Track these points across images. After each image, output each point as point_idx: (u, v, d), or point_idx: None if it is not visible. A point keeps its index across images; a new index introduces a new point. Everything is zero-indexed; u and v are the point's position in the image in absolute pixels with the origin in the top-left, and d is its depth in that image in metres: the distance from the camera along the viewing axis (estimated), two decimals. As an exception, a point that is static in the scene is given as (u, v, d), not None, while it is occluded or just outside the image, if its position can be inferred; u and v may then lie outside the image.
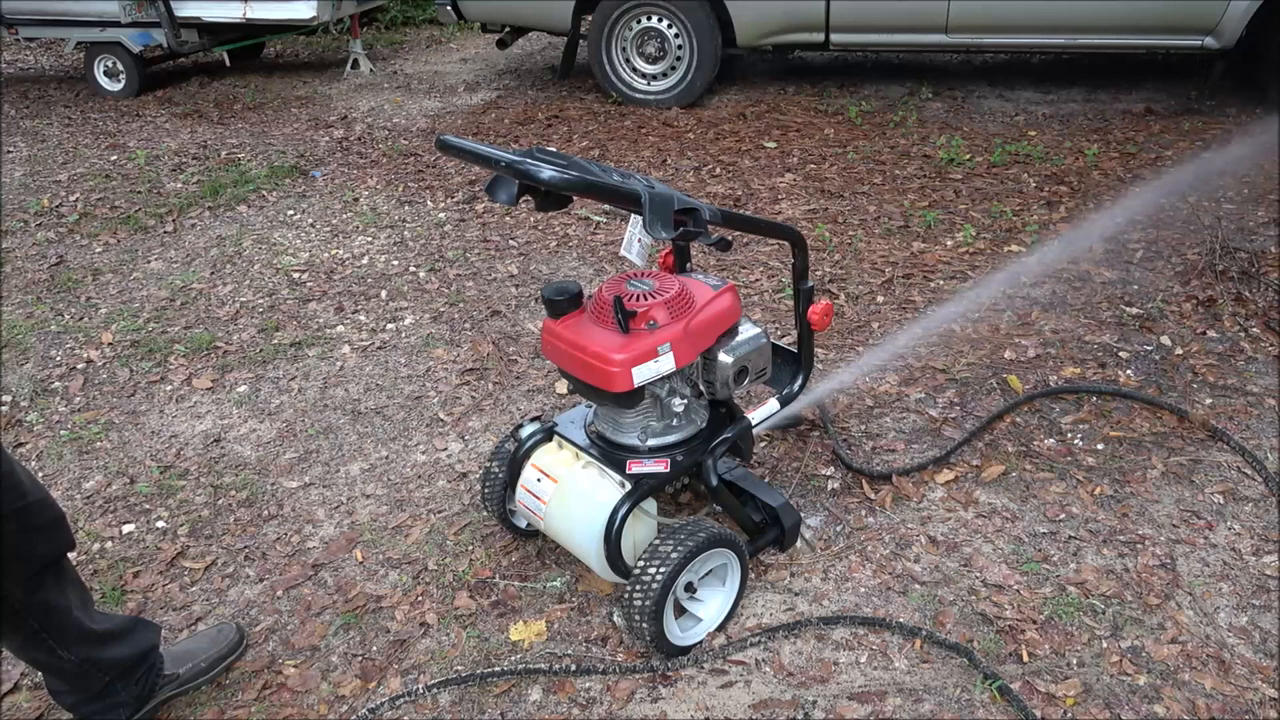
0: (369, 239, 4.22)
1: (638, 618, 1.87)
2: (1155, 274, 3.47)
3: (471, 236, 4.17)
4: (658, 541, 1.90)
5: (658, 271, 2.11)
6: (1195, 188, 4.16)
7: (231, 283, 3.86)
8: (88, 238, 4.37)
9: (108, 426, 2.93)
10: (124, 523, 2.50)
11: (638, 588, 1.86)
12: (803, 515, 2.34)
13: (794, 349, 2.30)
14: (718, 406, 2.16)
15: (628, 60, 5.95)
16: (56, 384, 3.17)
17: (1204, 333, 3.07)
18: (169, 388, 3.12)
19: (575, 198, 1.87)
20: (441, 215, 4.44)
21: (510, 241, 4.09)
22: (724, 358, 2.01)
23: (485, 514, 2.41)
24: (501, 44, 6.69)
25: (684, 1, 5.64)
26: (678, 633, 1.97)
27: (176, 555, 2.37)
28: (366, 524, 2.45)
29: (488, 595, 2.18)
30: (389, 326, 3.44)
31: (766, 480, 2.44)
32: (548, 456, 2.08)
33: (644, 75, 5.96)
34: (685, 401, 2.00)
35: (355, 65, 7.43)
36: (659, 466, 1.98)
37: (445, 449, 2.73)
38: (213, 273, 3.96)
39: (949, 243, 3.83)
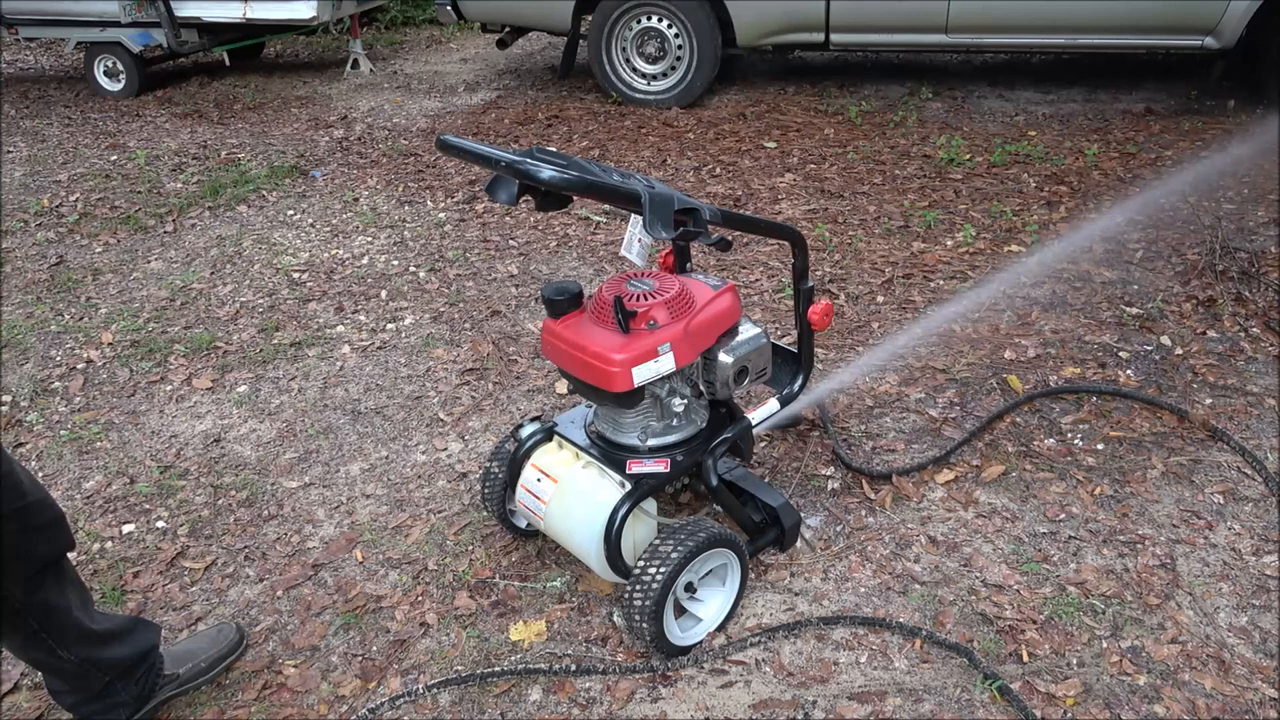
0: (369, 239, 4.22)
1: (638, 618, 1.87)
2: (1155, 274, 3.47)
3: (471, 236, 4.17)
4: (658, 541, 1.90)
5: (658, 271, 2.11)
6: (1195, 188, 4.16)
7: (231, 283, 3.86)
8: (88, 238, 4.37)
9: (108, 426, 2.93)
10: (124, 523, 2.50)
11: (638, 588, 1.86)
12: (803, 515, 2.34)
13: (794, 349, 2.30)
14: (718, 406, 2.16)
15: (628, 60, 5.95)
16: (56, 384, 3.17)
17: (1204, 333, 3.07)
18: (169, 388, 3.12)
19: (575, 198, 1.87)
20: (441, 215, 4.44)
21: (510, 241, 4.09)
22: (724, 358, 2.01)
23: (485, 514, 2.41)
24: (501, 44, 6.69)
25: (684, 1, 5.64)
26: (678, 633, 1.97)
27: (176, 555, 2.37)
28: (366, 524, 2.45)
29: (488, 595, 2.18)
30: (389, 326, 3.44)
31: (766, 480, 2.44)
32: (548, 456, 2.08)
33: (644, 75, 5.96)
34: (685, 401, 2.00)
35: (355, 65, 7.43)
36: (659, 466, 1.98)
37: (445, 449, 2.73)
38: (213, 273, 3.96)
39: (949, 243, 3.83)
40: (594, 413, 2.13)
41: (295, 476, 2.66)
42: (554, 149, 1.90)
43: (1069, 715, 1.81)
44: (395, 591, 2.21)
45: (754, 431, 2.14)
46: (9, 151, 5.76)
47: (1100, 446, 2.57)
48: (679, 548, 1.87)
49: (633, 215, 1.96)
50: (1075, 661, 1.93)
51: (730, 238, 2.12)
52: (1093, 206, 4.10)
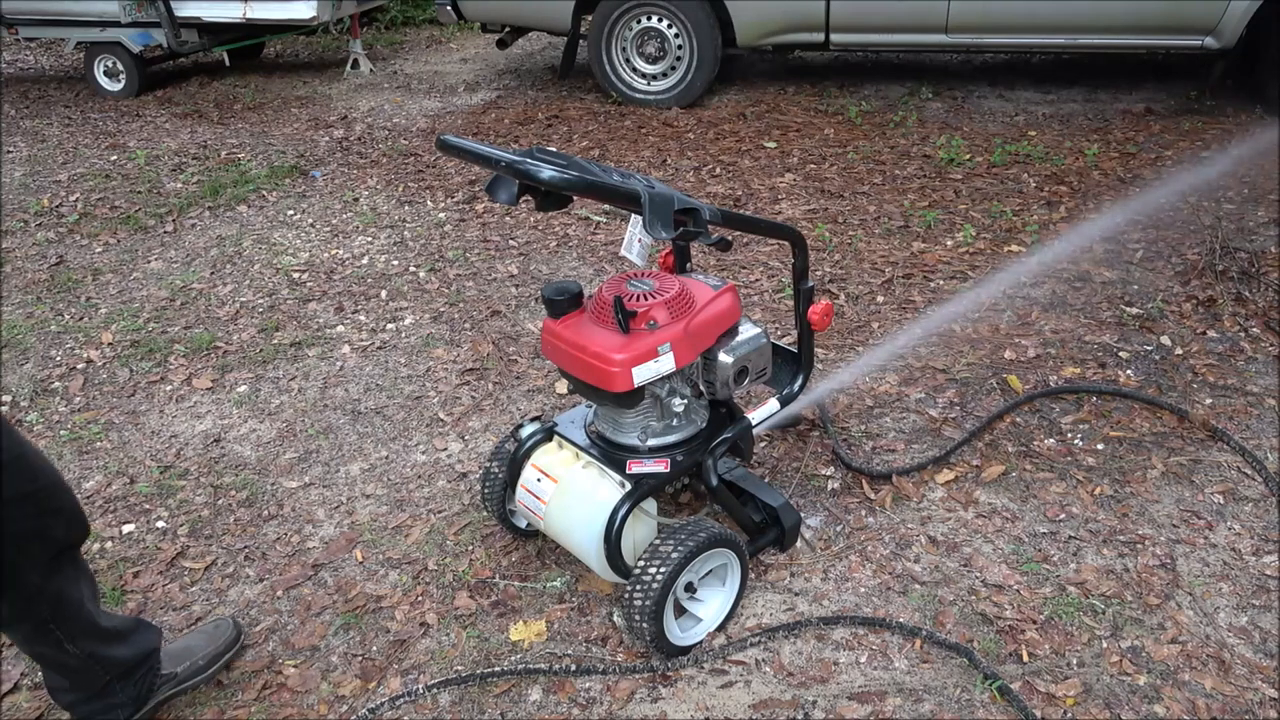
0: (369, 239, 4.22)
1: (638, 618, 1.87)
2: (1155, 274, 3.47)
3: (471, 236, 4.17)
4: (658, 541, 1.90)
5: (658, 271, 2.11)
6: (1195, 188, 4.16)
7: (231, 283, 3.86)
8: (88, 238, 4.37)
9: (108, 426, 2.93)
10: (124, 523, 2.50)
11: (638, 588, 1.86)
12: (803, 515, 2.34)
13: (794, 349, 2.30)
14: (718, 406, 2.16)
15: (628, 60, 5.95)
16: (56, 384, 3.17)
17: (1204, 333, 3.07)
18: (169, 388, 3.12)
19: (575, 198, 1.87)
20: (441, 215, 4.44)
21: (510, 241, 4.09)
22: (724, 358, 2.01)
23: (485, 514, 2.41)
24: (501, 44, 6.69)
25: (684, 1, 5.64)
26: (678, 633, 1.97)
27: (176, 555, 2.37)
28: (366, 524, 2.45)
29: (488, 595, 2.18)
30: (389, 326, 3.44)
31: (766, 480, 2.44)
32: (548, 456, 2.08)
33: (644, 75, 5.96)
34: (685, 401, 2.00)
35: (355, 65, 7.43)
36: (659, 466, 1.98)
37: (445, 449, 2.73)
38: (213, 273, 3.96)
39: (949, 243, 3.83)
40: (594, 413, 2.13)
41: (295, 476, 2.66)
42: (554, 149, 1.90)
43: (1069, 715, 1.81)
44: (395, 591, 2.21)
45: (754, 431, 2.14)
46: (9, 151, 5.76)
47: (1100, 446, 2.57)
48: (679, 548, 1.87)
49: (633, 215, 1.96)
50: (1075, 661, 1.93)
51: (730, 238, 2.12)
52: (1093, 206, 4.10)
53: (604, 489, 1.95)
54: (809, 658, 1.97)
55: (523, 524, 2.28)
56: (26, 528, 1.56)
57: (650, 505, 1.98)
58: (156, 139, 5.88)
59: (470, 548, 2.34)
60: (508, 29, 6.48)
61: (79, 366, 3.26)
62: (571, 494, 1.99)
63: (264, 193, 4.83)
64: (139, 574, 2.30)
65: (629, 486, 1.93)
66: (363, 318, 3.52)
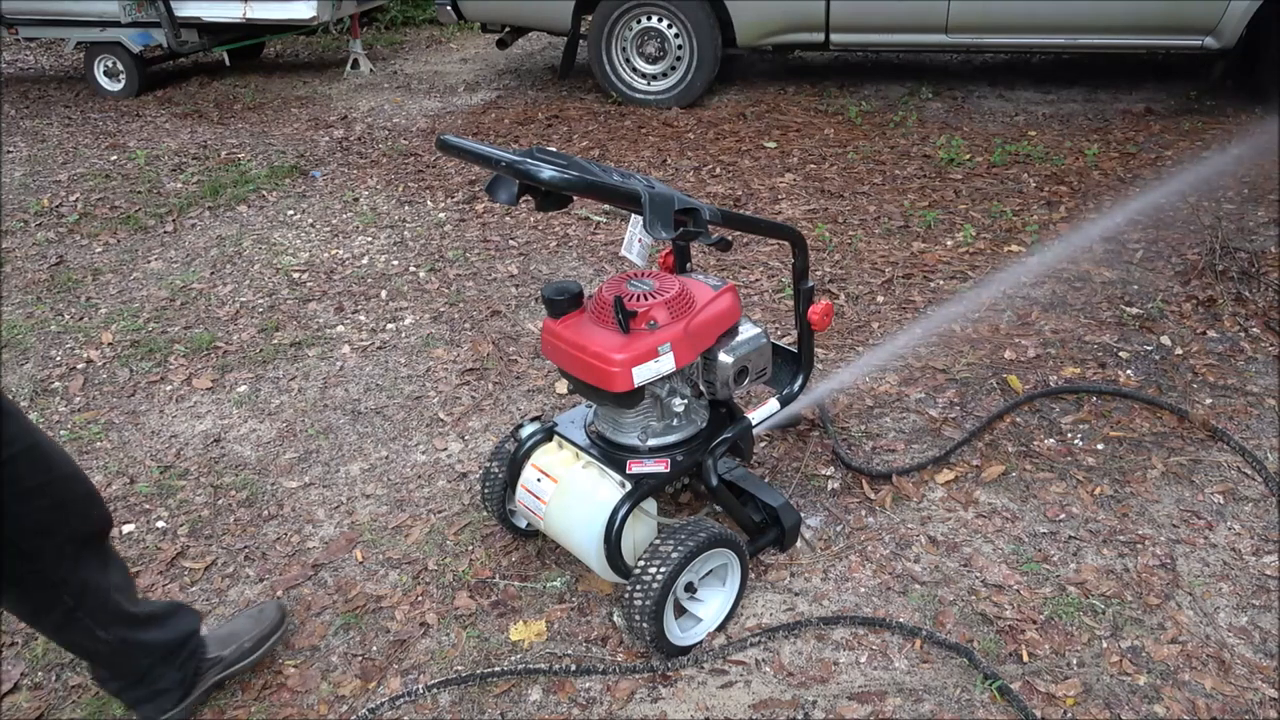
0: (369, 239, 4.22)
1: (638, 618, 1.87)
2: (1155, 274, 3.47)
3: (471, 236, 4.17)
4: (658, 541, 1.90)
5: (658, 271, 2.11)
6: (1195, 188, 4.16)
7: (231, 283, 3.86)
8: (88, 238, 4.37)
9: (108, 426, 2.93)
10: (124, 523, 2.49)
11: (638, 587, 1.86)
12: (803, 515, 2.34)
13: (794, 349, 2.30)
14: (718, 406, 2.16)
15: (628, 60, 5.95)
16: (56, 384, 3.17)
17: (1204, 333, 3.07)
18: (169, 388, 3.12)
19: (575, 198, 1.87)
20: (441, 215, 4.44)
21: (510, 241, 4.09)
22: (724, 358, 2.01)
23: (485, 514, 2.41)
24: (501, 44, 6.69)
25: (684, 1, 5.64)
26: (678, 633, 1.97)
27: (176, 555, 2.37)
28: (366, 524, 2.45)
29: (488, 595, 2.18)
30: (389, 326, 3.44)
31: (766, 480, 2.44)
32: (548, 456, 2.08)
33: (644, 75, 5.96)
34: (685, 401, 2.00)
35: (355, 65, 7.43)
36: (659, 466, 1.98)
37: (445, 449, 2.73)
38: (213, 273, 3.96)
39: (949, 243, 3.83)
40: (594, 413, 2.13)
41: (295, 476, 2.66)
42: (554, 149, 1.90)
43: (1069, 715, 1.81)
44: (395, 591, 2.21)
45: (754, 431, 2.14)
46: (9, 151, 5.76)
47: (1100, 446, 2.57)
48: (679, 548, 1.87)
49: (633, 215, 1.96)
50: (1075, 661, 1.93)
51: (730, 238, 2.12)
52: (1093, 206, 4.10)
53: (604, 489, 1.95)
54: (809, 658, 1.97)
55: (523, 524, 2.28)
56: (43, 519, 1.57)
57: (650, 505, 1.98)
58: (156, 139, 5.89)
59: (470, 548, 2.34)
60: (508, 29, 6.48)
61: (79, 366, 3.27)
62: (571, 494, 1.99)
63: (264, 193, 4.83)
64: (139, 574, 2.30)
65: (629, 486, 1.93)
66: (363, 318, 3.52)
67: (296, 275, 3.88)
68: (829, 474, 2.52)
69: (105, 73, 6.96)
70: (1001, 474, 2.48)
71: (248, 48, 7.70)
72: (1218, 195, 4.11)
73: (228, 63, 7.85)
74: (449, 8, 6.14)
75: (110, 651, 1.73)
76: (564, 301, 1.96)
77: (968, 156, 4.74)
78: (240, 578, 2.29)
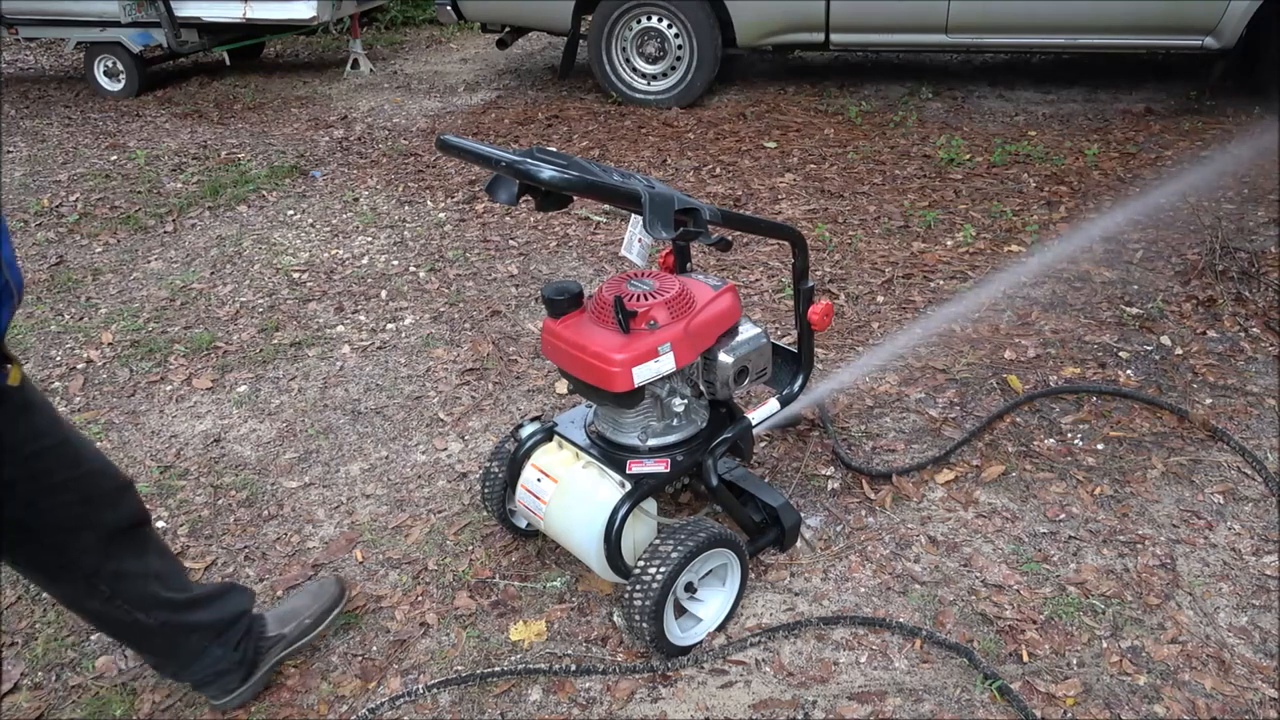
0: (369, 239, 4.22)
1: (638, 618, 1.87)
2: (1155, 274, 3.47)
3: (471, 236, 4.17)
4: (658, 541, 1.90)
5: (658, 271, 2.11)
6: (1195, 188, 4.16)
7: (231, 283, 3.86)
8: (88, 238, 4.37)
9: (108, 426, 2.93)
10: (124, 523, 2.49)
11: (638, 587, 1.86)
12: (803, 515, 2.34)
13: (794, 349, 2.30)
14: (718, 406, 2.16)
15: (628, 60, 5.95)
16: (56, 384, 3.17)
17: (1204, 333, 3.07)
18: (169, 388, 3.12)
19: (575, 198, 1.87)
20: (441, 215, 4.44)
21: (510, 241, 4.09)
22: (724, 358, 2.01)
23: (485, 514, 2.41)
24: (501, 44, 6.69)
25: (684, 1, 5.64)
26: (678, 633, 1.97)
27: (177, 555, 2.36)
28: (366, 524, 2.45)
29: (488, 595, 2.18)
30: (389, 326, 3.44)
31: (766, 480, 2.44)
32: (548, 456, 2.08)
33: (644, 75, 5.96)
34: (685, 401, 2.00)
35: (355, 65, 7.43)
36: (659, 466, 1.98)
37: (445, 449, 2.73)
38: (213, 273, 3.96)
39: (949, 243, 3.83)
40: (594, 413, 2.13)
41: (295, 476, 2.66)
42: (554, 149, 1.91)
43: (1069, 715, 1.81)
44: (395, 591, 2.21)
45: (754, 431, 2.14)
46: (9, 151, 5.76)
47: (1100, 446, 2.57)
48: (679, 548, 1.87)
49: (633, 215, 1.96)
50: (1075, 661, 1.93)
51: (730, 238, 2.12)
52: (1093, 206, 4.10)
53: (604, 489, 1.95)
54: (809, 658, 1.97)
55: (523, 524, 2.28)
56: (72, 514, 1.58)
57: (650, 505, 1.98)
58: (156, 139, 5.89)
59: (470, 548, 2.34)
60: (508, 29, 6.48)
61: (79, 366, 3.27)
62: (571, 494, 1.99)
63: (264, 193, 4.83)
64: (139, 574, 2.30)
65: (629, 486, 1.93)
66: (363, 318, 3.52)
67: (296, 275, 3.88)
68: (829, 474, 2.52)
69: (105, 73, 6.96)
70: (1001, 474, 2.48)
71: (248, 48, 7.70)
72: (1218, 195, 4.11)
73: (228, 62, 7.85)
74: (449, 8, 6.13)
75: (155, 633, 1.74)
76: (564, 301, 1.96)
77: (968, 156, 4.74)
78: (240, 578, 2.29)
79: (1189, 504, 2.35)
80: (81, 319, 3.61)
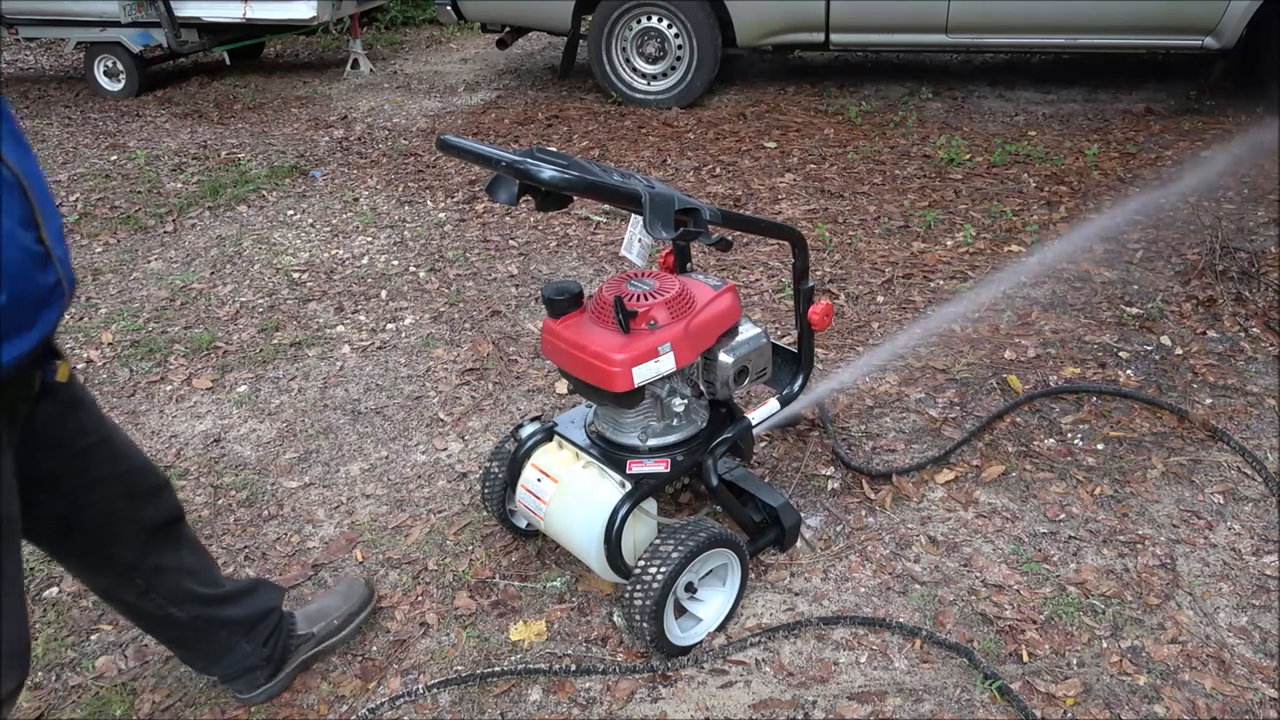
0: (369, 239, 4.22)
1: (638, 617, 1.87)
2: (1155, 274, 3.47)
3: (471, 236, 4.17)
4: (658, 541, 1.90)
5: (658, 271, 2.11)
6: (1195, 188, 4.16)
7: (231, 283, 3.86)
8: (88, 238, 4.37)
9: (108, 426, 2.92)
10: (124, 523, 2.49)
11: (638, 587, 1.86)
12: (803, 515, 2.34)
13: (794, 349, 2.30)
14: (718, 406, 2.16)
15: (628, 60, 5.95)
16: (56, 384, 3.17)
17: (1204, 333, 3.07)
18: (169, 388, 3.12)
19: (575, 198, 1.87)
20: (441, 215, 4.44)
21: (510, 241, 4.09)
22: (724, 358, 2.01)
23: (485, 514, 2.41)
24: (501, 44, 6.69)
25: (684, 1, 5.64)
26: (678, 633, 1.97)
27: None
28: (366, 524, 2.45)
29: (488, 595, 2.18)
30: (389, 326, 3.44)
31: (766, 480, 2.44)
32: (548, 456, 2.08)
33: (644, 75, 5.96)
34: (685, 401, 2.00)
35: (355, 65, 7.43)
36: (659, 466, 1.98)
37: (445, 449, 2.73)
38: (213, 273, 3.96)
39: (949, 243, 3.83)
40: (594, 413, 2.13)
41: (295, 476, 2.66)
42: (554, 149, 1.91)
43: (1069, 715, 1.81)
44: (395, 591, 2.21)
45: (754, 431, 2.14)
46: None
47: (1100, 446, 2.57)
48: (679, 548, 1.87)
49: (633, 215, 1.96)
50: (1075, 661, 1.93)
51: (730, 238, 2.12)
52: (1093, 206, 4.10)
53: (604, 489, 1.95)
54: (809, 658, 1.97)
55: (523, 524, 2.28)
56: (114, 509, 1.60)
57: (650, 505, 1.98)
58: (156, 139, 5.88)
59: (470, 548, 2.34)
60: (508, 29, 6.48)
61: (79, 366, 3.26)
62: (571, 494, 1.99)
63: (264, 193, 4.83)
64: (139, 574, 2.30)
65: (629, 486, 1.93)
66: (363, 318, 3.52)
67: (296, 275, 3.88)
68: (829, 474, 2.52)
69: (105, 73, 6.96)
70: (1001, 474, 2.48)
71: (248, 48, 7.70)
72: (1218, 195, 4.11)
73: (228, 62, 7.85)
74: (449, 8, 6.13)
75: (187, 627, 1.76)
76: (564, 301, 1.96)
77: (968, 156, 4.74)
78: (240, 577, 2.29)
79: (1189, 504, 2.35)
80: (81, 319, 3.61)
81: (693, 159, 4.96)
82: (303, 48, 8.69)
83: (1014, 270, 3.53)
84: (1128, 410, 2.71)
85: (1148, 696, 1.84)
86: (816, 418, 2.73)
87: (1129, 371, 2.90)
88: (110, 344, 3.40)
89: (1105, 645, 1.96)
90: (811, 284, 2.20)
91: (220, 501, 2.57)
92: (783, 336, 3.12)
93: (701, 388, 2.08)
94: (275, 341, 3.37)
